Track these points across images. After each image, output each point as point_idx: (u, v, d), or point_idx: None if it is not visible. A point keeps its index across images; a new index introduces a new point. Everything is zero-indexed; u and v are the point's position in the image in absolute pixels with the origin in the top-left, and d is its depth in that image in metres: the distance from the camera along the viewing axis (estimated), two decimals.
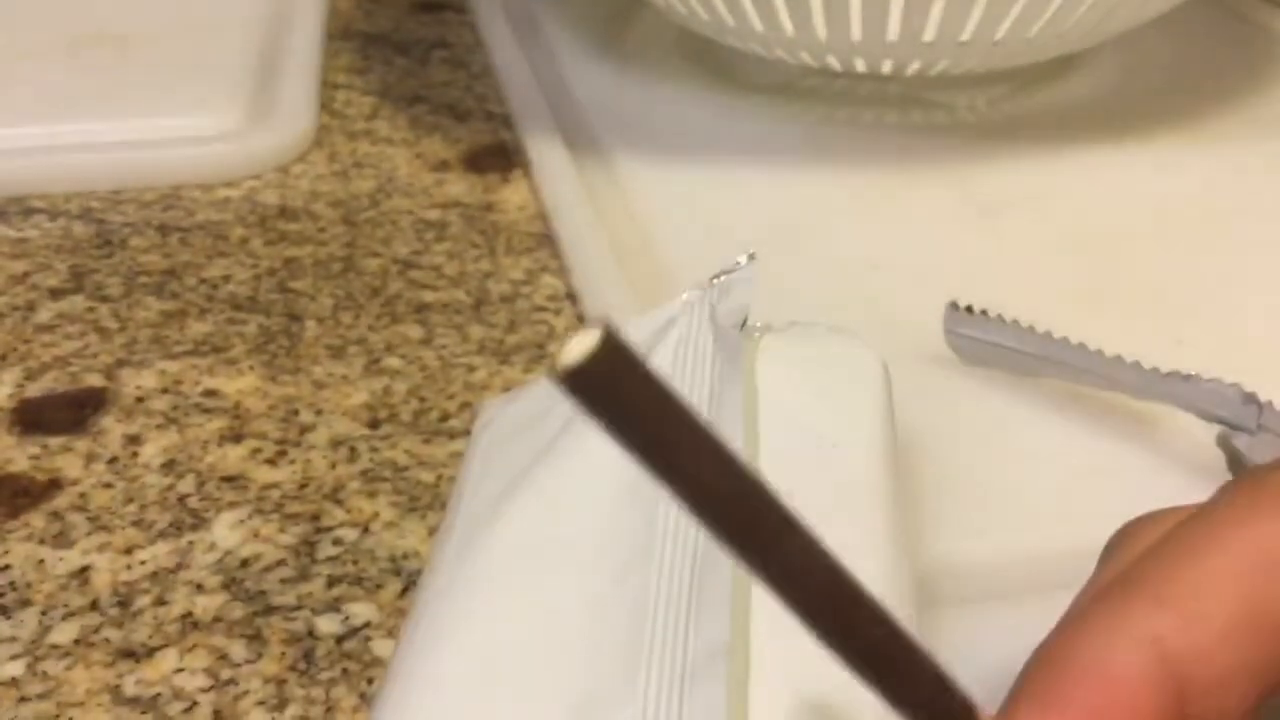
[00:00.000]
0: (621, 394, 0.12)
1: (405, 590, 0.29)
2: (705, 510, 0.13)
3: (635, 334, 0.28)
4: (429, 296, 0.40)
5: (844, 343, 0.29)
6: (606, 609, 0.22)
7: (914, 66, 0.48)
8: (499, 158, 0.49)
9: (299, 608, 0.29)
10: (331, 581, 0.30)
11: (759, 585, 0.14)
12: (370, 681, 0.27)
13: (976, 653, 0.26)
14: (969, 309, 0.34)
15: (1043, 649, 0.19)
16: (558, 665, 0.21)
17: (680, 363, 0.27)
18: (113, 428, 0.35)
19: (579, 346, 0.12)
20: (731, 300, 0.28)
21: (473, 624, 0.22)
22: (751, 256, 0.29)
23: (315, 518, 0.32)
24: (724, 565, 0.22)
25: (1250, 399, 0.30)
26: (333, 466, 0.33)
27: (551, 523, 0.24)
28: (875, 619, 0.15)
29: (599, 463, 0.25)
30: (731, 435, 0.25)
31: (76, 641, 0.28)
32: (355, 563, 0.30)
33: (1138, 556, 0.19)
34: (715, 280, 0.29)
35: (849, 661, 0.15)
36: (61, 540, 0.31)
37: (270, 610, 0.29)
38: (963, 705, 0.16)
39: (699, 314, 0.28)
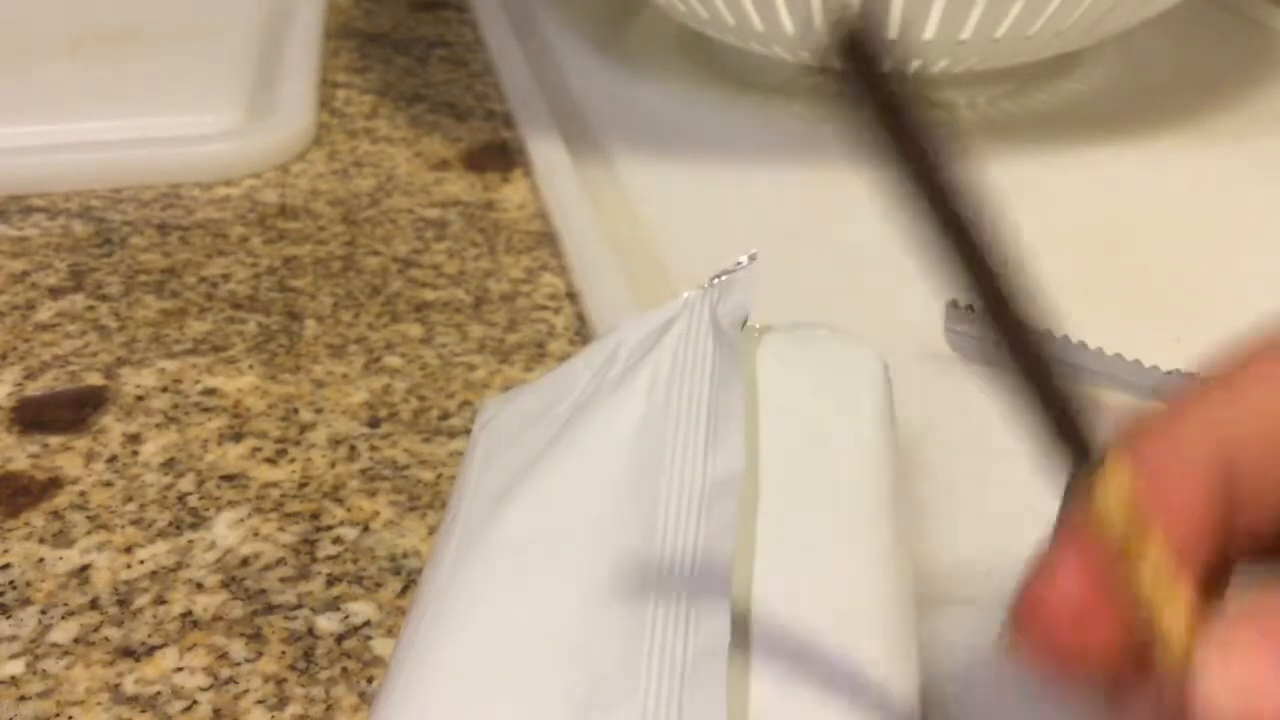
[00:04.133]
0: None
1: (405, 589, 0.29)
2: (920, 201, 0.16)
3: (635, 332, 0.28)
4: (429, 295, 0.40)
5: (844, 343, 0.29)
6: (607, 607, 0.22)
7: (914, 65, 0.48)
8: (499, 156, 0.49)
9: (299, 606, 0.29)
10: (331, 580, 0.30)
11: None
12: (370, 680, 0.27)
13: (976, 652, 0.26)
14: (969, 307, 0.34)
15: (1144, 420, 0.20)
16: (558, 664, 0.21)
17: (680, 362, 0.27)
18: (112, 426, 0.35)
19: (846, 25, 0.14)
20: (732, 300, 0.28)
21: (473, 623, 0.22)
22: (752, 256, 0.29)
23: (315, 516, 0.32)
24: (724, 563, 0.22)
25: None
26: (332, 465, 0.33)
27: (552, 521, 0.24)
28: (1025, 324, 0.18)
29: (599, 462, 0.25)
30: (732, 434, 0.25)
31: (76, 640, 0.28)
32: (355, 561, 0.30)
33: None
34: (716, 280, 0.29)
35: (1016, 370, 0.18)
36: (61, 539, 0.31)
37: (270, 609, 0.29)
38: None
39: (699, 313, 0.28)
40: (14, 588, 0.30)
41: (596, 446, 0.25)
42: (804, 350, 0.28)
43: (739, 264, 0.29)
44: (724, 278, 0.29)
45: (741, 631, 0.21)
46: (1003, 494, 0.31)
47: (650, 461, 0.24)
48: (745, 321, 0.28)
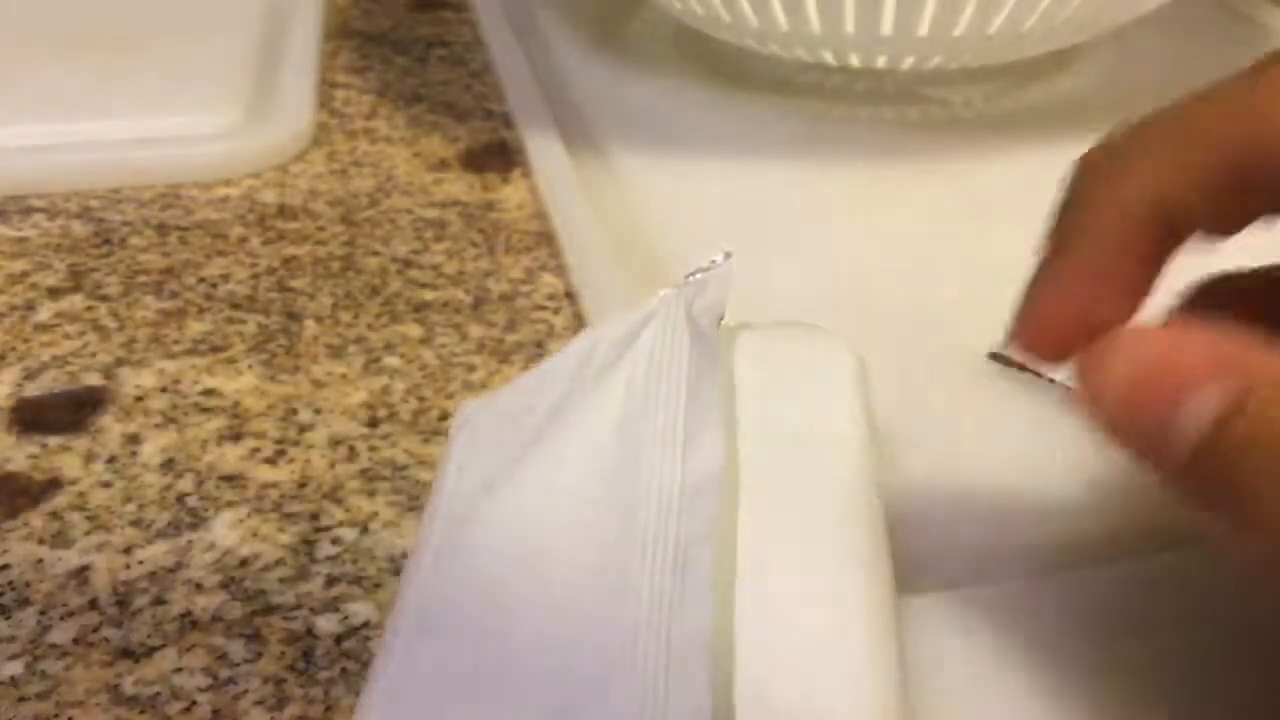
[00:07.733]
0: None
1: None
2: None
3: (612, 331, 0.28)
4: (428, 295, 0.41)
5: (820, 339, 0.29)
6: (587, 607, 0.22)
7: (908, 61, 0.48)
8: (498, 156, 0.50)
9: (298, 607, 0.29)
10: (330, 581, 0.30)
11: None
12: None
13: (956, 643, 0.26)
14: (1008, 361, 0.34)
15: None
16: (540, 664, 0.21)
17: (656, 360, 0.27)
18: (111, 427, 0.35)
19: None
20: (707, 298, 0.28)
21: (454, 623, 0.23)
22: (728, 254, 0.29)
23: (314, 517, 0.32)
24: (704, 562, 0.22)
25: None
26: (332, 466, 0.33)
27: (531, 521, 0.24)
28: None
29: (577, 461, 0.25)
30: (709, 432, 0.25)
31: (75, 641, 0.28)
32: (354, 562, 0.30)
33: None
34: (691, 278, 0.29)
35: None
36: (60, 540, 0.31)
37: (269, 610, 0.29)
38: None
39: (675, 311, 0.28)
40: (13, 588, 0.30)
41: (574, 446, 0.25)
42: (779, 347, 0.29)
43: (714, 262, 0.29)
44: (699, 275, 0.29)
45: (725, 625, 0.21)
46: (999, 492, 0.31)
47: (628, 460, 0.25)
48: (721, 319, 0.28)
